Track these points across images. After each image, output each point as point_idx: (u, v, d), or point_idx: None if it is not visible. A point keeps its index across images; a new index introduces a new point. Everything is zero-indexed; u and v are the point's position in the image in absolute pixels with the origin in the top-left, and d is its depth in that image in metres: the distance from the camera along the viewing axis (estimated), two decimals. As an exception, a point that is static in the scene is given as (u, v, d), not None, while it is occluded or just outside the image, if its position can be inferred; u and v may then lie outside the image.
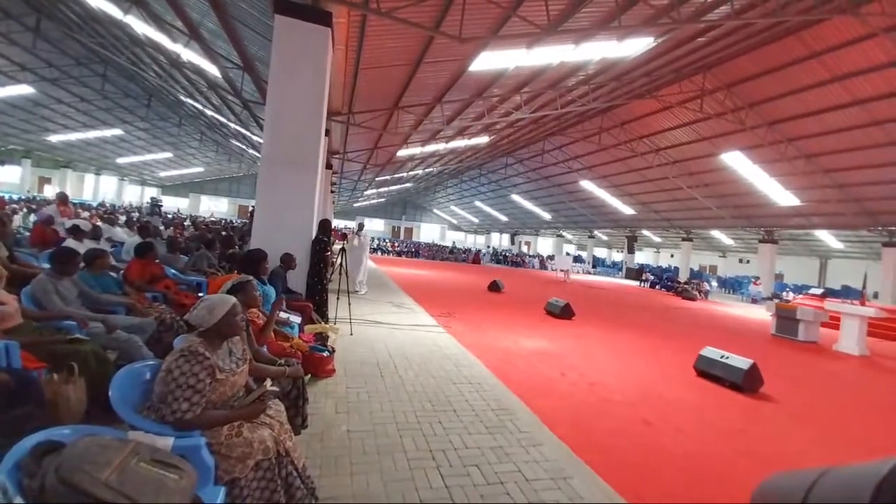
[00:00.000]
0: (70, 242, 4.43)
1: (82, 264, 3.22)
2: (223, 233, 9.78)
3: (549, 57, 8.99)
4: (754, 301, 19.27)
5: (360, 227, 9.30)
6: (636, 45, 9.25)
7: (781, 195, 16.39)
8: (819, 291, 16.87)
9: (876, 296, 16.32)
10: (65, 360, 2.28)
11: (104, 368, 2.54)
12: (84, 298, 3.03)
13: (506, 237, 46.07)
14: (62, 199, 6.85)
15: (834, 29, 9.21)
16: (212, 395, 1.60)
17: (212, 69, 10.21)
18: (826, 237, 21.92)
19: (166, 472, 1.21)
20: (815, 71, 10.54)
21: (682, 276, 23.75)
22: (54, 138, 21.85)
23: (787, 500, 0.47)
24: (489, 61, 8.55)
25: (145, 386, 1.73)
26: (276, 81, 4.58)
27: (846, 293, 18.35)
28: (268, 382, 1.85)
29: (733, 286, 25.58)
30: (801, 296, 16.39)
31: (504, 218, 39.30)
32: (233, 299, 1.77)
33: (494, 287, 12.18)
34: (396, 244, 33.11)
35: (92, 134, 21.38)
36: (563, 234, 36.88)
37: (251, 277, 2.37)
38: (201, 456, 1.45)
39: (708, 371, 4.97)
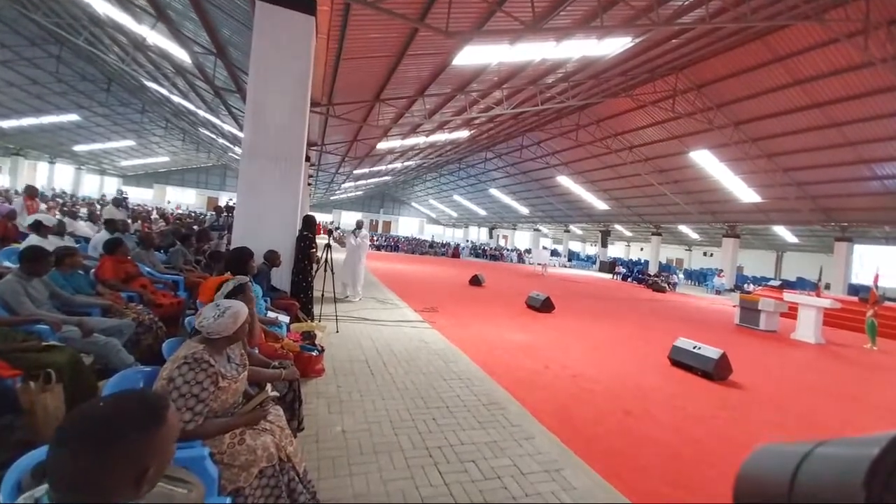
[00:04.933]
0: (33, 239, 4.14)
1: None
2: (195, 227, 9.39)
3: (531, 53, 9.05)
4: (718, 293, 20.29)
5: (359, 225, 8.05)
6: (614, 45, 9.44)
7: (744, 192, 17.27)
8: (777, 283, 17.94)
9: (828, 287, 17.50)
10: (40, 368, 2.16)
11: (81, 375, 2.42)
12: (56, 300, 2.85)
13: (484, 231, 46.40)
14: (31, 192, 6.34)
15: (797, 34, 9.71)
16: (213, 403, 1.55)
17: (180, 53, 9.68)
18: (783, 232, 23.29)
19: (174, 487, 1.18)
20: (778, 74, 11.10)
21: (652, 269, 24.69)
22: (5, 124, 20.20)
23: (775, 474, 0.47)
24: (472, 56, 8.52)
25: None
26: (257, 71, 4.41)
27: (801, 285, 19.58)
28: (268, 387, 1.82)
29: (699, 278, 26.81)
30: (760, 287, 17.39)
31: (482, 212, 39.55)
32: (247, 308, 1.74)
33: (476, 281, 12.28)
34: (375, 238, 32.73)
35: (46, 119, 19.91)
36: (540, 228, 37.50)
37: (248, 279, 2.30)
38: (204, 466, 1.41)
39: (681, 361, 5.22)
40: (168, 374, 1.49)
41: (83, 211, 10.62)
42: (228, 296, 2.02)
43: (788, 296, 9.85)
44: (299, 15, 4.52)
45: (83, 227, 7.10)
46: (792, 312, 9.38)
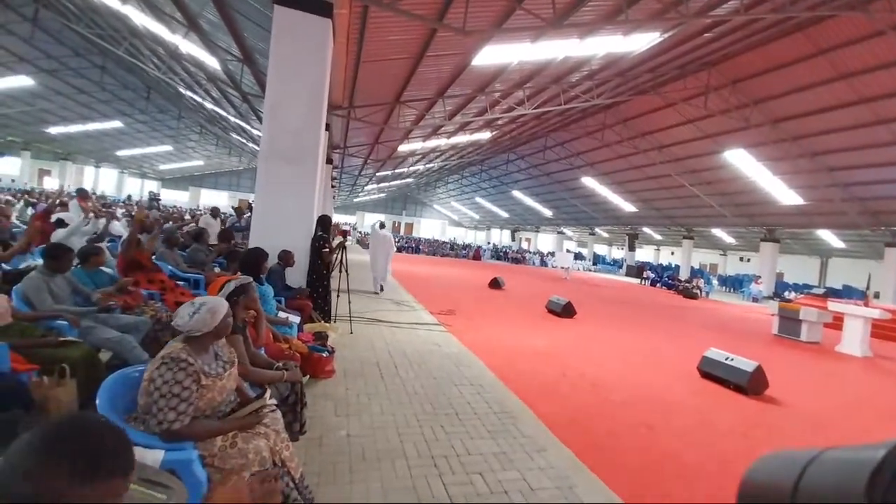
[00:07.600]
0: (59, 235, 4.34)
1: (76, 261, 3.15)
2: (223, 226, 9.67)
3: (553, 51, 8.85)
4: (755, 300, 19.20)
5: (381, 225, 9.07)
6: (642, 40, 9.11)
7: (784, 194, 16.28)
8: (821, 291, 16.80)
9: (877, 296, 16.25)
10: (55, 363, 2.22)
11: (96, 370, 2.48)
12: (78, 296, 2.95)
13: (506, 233, 45.96)
14: (82, 194, 6.65)
15: (842, 26, 9.06)
16: (199, 401, 1.53)
17: (211, 61, 10.07)
18: (828, 236, 21.80)
19: (153, 492, 1.14)
20: (822, 68, 10.40)
21: (683, 275, 23.69)
22: (53, 130, 21.69)
23: (779, 481, 0.47)
24: (492, 55, 8.41)
25: (137, 391, 1.66)
26: (275, 74, 4.48)
27: (848, 293, 18.28)
28: (267, 395, 1.78)
29: (734, 285, 25.50)
30: (802, 296, 16.32)
31: (505, 214, 39.19)
32: (226, 303, 1.72)
33: (495, 284, 12.12)
34: (397, 240, 32.99)
35: (91, 126, 21.23)
36: (564, 230, 36.78)
37: (252, 279, 2.30)
38: (192, 470, 1.38)
39: (712, 373, 4.90)
40: (149, 374, 1.49)
41: (120, 212, 11.19)
42: (229, 296, 2.01)
43: (833, 305, 9.15)
44: (316, 18, 4.57)
45: (118, 227, 7.44)
46: (837, 323, 8.71)
